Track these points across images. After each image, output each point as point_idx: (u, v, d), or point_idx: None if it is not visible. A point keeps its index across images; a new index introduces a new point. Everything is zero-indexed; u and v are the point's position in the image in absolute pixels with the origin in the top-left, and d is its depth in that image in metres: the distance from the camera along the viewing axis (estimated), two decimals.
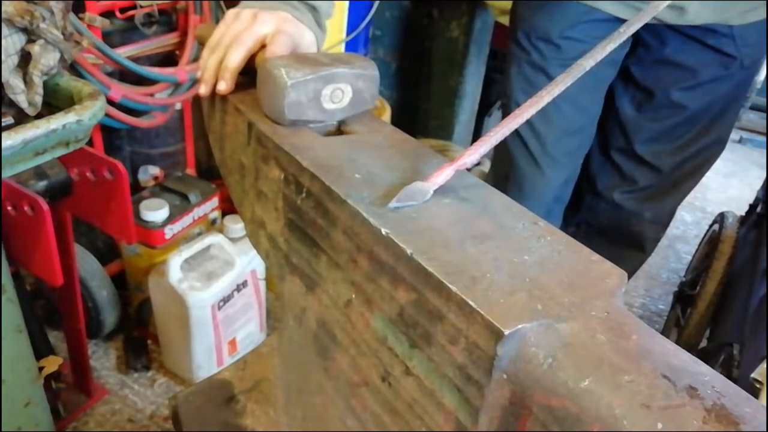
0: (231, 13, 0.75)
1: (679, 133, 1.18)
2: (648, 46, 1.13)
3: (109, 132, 1.57)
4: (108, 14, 1.42)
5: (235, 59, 0.70)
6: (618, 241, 1.30)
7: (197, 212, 1.62)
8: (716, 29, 1.04)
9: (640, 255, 1.38)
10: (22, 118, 0.93)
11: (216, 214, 1.70)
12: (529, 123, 1.12)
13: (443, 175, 0.54)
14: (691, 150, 1.20)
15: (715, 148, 1.21)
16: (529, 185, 1.22)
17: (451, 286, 0.43)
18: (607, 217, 1.29)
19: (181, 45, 1.61)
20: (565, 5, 1.08)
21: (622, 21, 1.04)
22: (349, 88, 0.66)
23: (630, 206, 1.28)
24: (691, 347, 1.51)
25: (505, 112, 1.24)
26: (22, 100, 0.92)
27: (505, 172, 1.25)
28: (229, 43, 0.71)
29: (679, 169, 1.23)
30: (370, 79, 0.68)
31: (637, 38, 1.12)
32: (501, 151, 1.27)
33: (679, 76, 1.13)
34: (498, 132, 0.56)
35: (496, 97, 2.52)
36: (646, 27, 1.05)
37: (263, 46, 0.71)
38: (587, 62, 0.60)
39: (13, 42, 0.90)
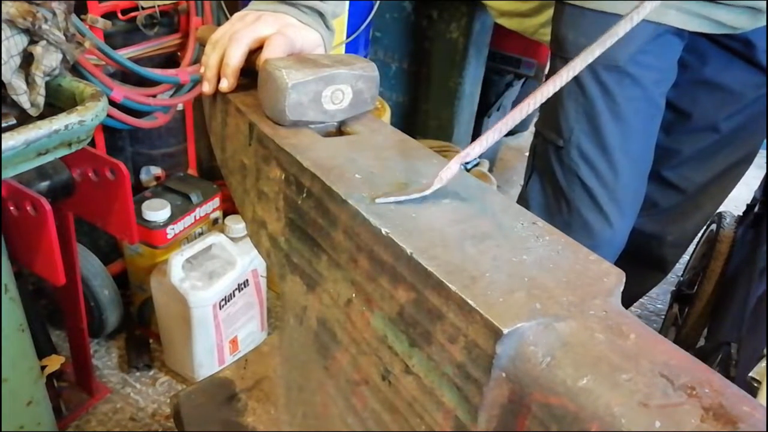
0: (237, 14, 0.75)
1: (710, 153, 1.10)
2: (686, 65, 1.03)
3: (111, 132, 1.57)
4: (110, 15, 1.42)
5: (235, 56, 0.70)
6: (637, 263, 1.18)
7: (199, 212, 1.63)
8: (759, 43, 0.97)
9: (660, 275, 1.32)
10: (24, 119, 0.93)
11: (217, 214, 1.70)
12: (591, 166, 1.03)
13: (449, 171, 0.53)
14: (719, 169, 1.13)
15: (743, 166, 1.14)
16: (593, 238, 1.06)
17: (450, 285, 0.44)
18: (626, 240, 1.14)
19: (182, 46, 1.61)
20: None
21: (690, 34, 0.97)
22: (349, 89, 0.66)
23: (651, 229, 1.20)
24: (689, 346, 1.52)
25: (558, 157, 1.07)
26: (24, 101, 0.93)
27: (561, 219, 1.09)
28: (228, 41, 0.71)
29: (704, 190, 1.16)
30: (371, 80, 0.68)
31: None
32: (551, 192, 1.11)
33: (722, 100, 1.04)
34: (499, 127, 0.54)
35: (495, 98, 2.52)
36: (688, 43, 0.99)
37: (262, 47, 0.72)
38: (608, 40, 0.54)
39: (16, 43, 0.91)
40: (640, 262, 1.22)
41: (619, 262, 0.51)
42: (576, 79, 1.00)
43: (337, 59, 0.68)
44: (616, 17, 0.94)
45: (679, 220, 1.18)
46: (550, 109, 1.08)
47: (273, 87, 0.64)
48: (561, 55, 1.04)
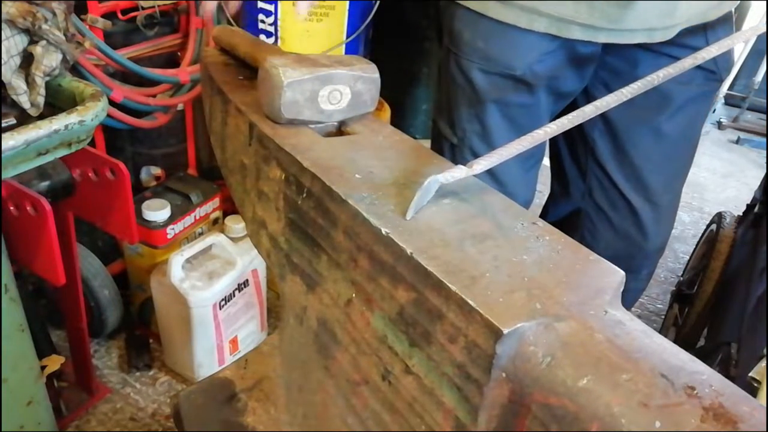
0: None
1: (664, 160, 1.10)
2: (615, 71, 1.03)
3: (111, 132, 1.57)
4: (110, 15, 1.42)
5: None
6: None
7: (199, 212, 1.63)
8: (692, 45, 0.98)
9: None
10: (24, 119, 0.93)
11: (217, 213, 1.70)
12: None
13: (456, 172, 0.54)
14: (681, 177, 1.16)
15: (690, 161, 1.17)
16: None
17: (450, 285, 0.44)
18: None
19: (182, 46, 1.61)
20: (530, 34, 0.95)
21: (597, 45, 0.98)
22: (347, 90, 0.66)
23: (632, 253, 1.19)
24: (689, 346, 1.51)
25: (453, 156, 1.09)
26: (24, 101, 0.92)
27: None
28: None
29: (673, 203, 1.18)
30: (370, 82, 0.68)
31: (601, 63, 1.03)
32: None
33: (657, 102, 1.04)
34: (512, 147, 0.56)
35: None
36: (614, 50, 0.99)
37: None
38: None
39: (16, 43, 0.90)
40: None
41: None
42: (470, 82, 1.02)
43: (337, 60, 0.68)
44: (514, 29, 0.95)
45: (655, 235, 1.18)
46: (445, 101, 1.09)
47: (269, 85, 0.64)
48: (454, 52, 1.04)
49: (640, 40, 0.96)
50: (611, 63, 1.02)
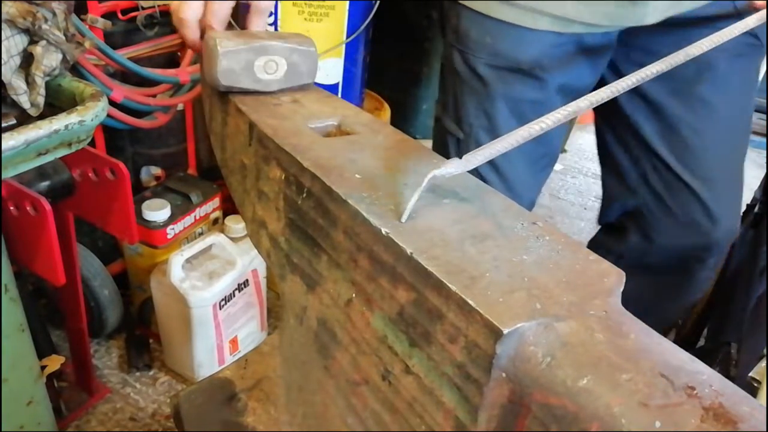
0: None
1: (715, 132, 1.05)
2: (646, 50, 0.99)
3: (111, 132, 1.57)
4: (110, 15, 1.42)
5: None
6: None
7: (199, 212, 1.63)
8: (722, 14, 0.94)
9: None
10: (24, 119, 0.93)
11: (217, 213, 1.70)
12: (489, 160, 1.07)
13: (454, 165, 0.53)
14: (737, 153, 1.12)
15: (746, 136, 1.15)
16: None
17: (450, 285, 0.44)
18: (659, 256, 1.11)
19: (182, 46, 1.61)
20: (536, 30, 0.95)
21: (610, 36, 0.98)
22: (283, 61, 0.70)
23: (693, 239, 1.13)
24: (689, 346, 1.52)
25: (458, 152, 1.08)
26: (24, 101, 0.92)
27: None
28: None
29: (733, 181, 1.15)
30: (306, 55, 0.72)
31: (630, 45, 1.00)
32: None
33: (695, 71, 0.98)
34: (508, 139, 0.55)
35: None
36: (638, 29, 0.97)
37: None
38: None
39: (16, 43, 0.90)
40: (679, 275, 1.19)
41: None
42: (478, 77, 1.02)
43: (276, 35, 0.73)
44: (523, 29, 0.95)
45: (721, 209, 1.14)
46: (451, 97, 1.10)
47: (208, 55, 0.69)
48: (460, 49, 1.04)
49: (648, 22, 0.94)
50: (635, 42, 1.00)
